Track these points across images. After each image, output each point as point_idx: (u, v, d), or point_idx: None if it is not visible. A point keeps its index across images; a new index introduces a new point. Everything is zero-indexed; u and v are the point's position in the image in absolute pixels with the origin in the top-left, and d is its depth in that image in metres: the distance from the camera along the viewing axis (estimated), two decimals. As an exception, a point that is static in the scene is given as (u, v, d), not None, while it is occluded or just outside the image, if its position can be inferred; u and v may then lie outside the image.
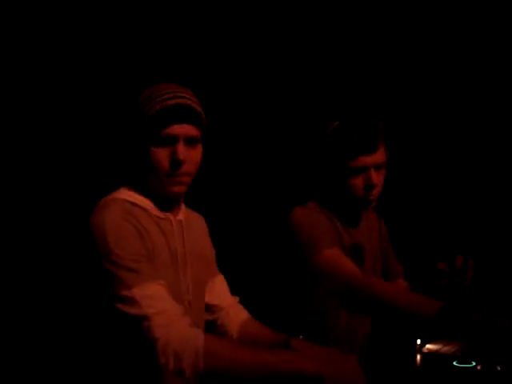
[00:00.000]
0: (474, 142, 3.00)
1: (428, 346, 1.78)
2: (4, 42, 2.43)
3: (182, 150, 1.50)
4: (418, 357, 1.74)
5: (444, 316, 1.66)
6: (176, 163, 1.50)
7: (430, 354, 1.75)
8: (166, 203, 1.60)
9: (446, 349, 1.76)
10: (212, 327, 1.77)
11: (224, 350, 1.39)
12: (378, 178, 1.93)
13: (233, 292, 1.86)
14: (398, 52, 2.96)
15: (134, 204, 1.53)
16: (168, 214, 1.60)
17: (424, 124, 3.02)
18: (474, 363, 1.64)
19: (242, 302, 1.85)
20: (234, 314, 1.79)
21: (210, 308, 1.77)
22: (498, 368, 1.61)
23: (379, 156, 1.92)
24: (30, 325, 2.40)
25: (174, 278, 1.56)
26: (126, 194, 1.54)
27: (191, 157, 1.53)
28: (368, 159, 1.90)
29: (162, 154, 1.50)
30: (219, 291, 1.79)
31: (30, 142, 2.47)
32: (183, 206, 1.70)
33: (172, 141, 1.50)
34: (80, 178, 2.49)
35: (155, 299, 1.38)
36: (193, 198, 1.73)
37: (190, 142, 1.52)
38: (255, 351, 1.41)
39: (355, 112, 1.97)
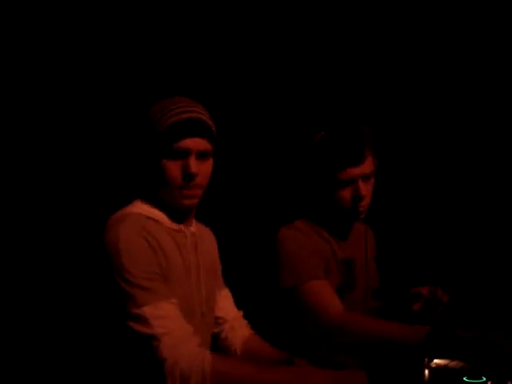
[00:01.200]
0: (467, 151, 2.98)
1: (436, 360, 1.73)
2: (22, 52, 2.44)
3: (194, 163, 1.53)
4: (426, 372, 1.69)
5: (434, 339, 1.61)
6: (188, 176, 1.53)
7: (438, 369, 1.70)
8: (179, 216, 1.61)
9: (454, 363, 1.71)
10: (216, 339, 1.78)
11: (230, 369, 1.39)
12: (366, 188, 1.89)
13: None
14: (389, 55, 2.93)
15: (148, 217, 1.54)
16: (182, 226, 1.62)
17: (415, 130, 2.99)
18: (484, 378, 1.60)
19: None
20: (239, 328, 1.79)
21: (215, 320, 1.79)
22: (509, 383, 1.58)
23: (367, 166, 1.87)
24: (41, 336, 2.39)
25: (188, 290, 1.58)
26: (141, 208, 1.56)
27: (203, 170, 1.56)
28: (355, 170, 1.85)
29: (174, 168, 1.53)
30: (224, 304, 1.81)
31: (45, 153, 2.48)
32: (193, 220, 1.72)
33: (184, 154, 1.53)
34: (93, 189, 2.49)
35: (165, 319, 1.40)
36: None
37: (201, 155, 1.55)
38: (260, 369, 1.41)
39: (341, 121, 1.93)
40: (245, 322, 1.84)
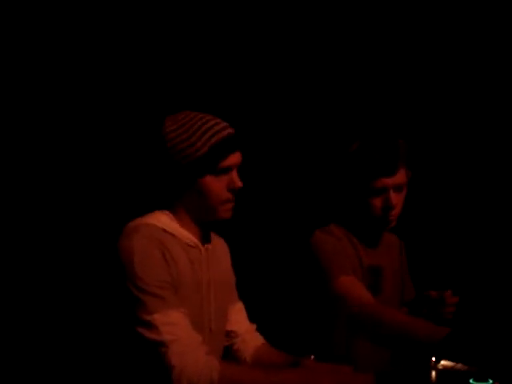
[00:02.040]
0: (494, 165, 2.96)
1: (443, 362, 1.74)
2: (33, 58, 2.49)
3: (238, 177, 1.59)
4: (433, 373, 1.70)
5: (451, 341, 1.63)
6: (235, 191, 1.58)
7: (445, 371, 1.71)
8: (199, 231, 1.64)
9: (461, 365, 1.72)
10: (228, 352, 1.81)
11: (238, 375, 1.42)
12: (396, 199, 1.92)
13: (254, 316, 1.89)
14: (424, 71, 2.93)
15: (164, 230, 1.56)
16: (197, 242, 1.63)
17: (448, 142, 2.98)
18: (491, 381, 1.60)
19: (263, 325, 1.89)
20: (250, 340, 1.81)
21: (227, 333, 1.80)
22: (516, 386, 1.58)
23: (399, 178, 1.91)
24: (51, 339, 2.43)
25: (198, 305, 1.59)
26: (158, 220, 1.58)
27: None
28: (388, 181, 1.90)
29: (220, 184, 1.57)
30: (238, 318, 1.82)
31: (61, 161, 2.53)
32: (211, 233, 1.74)
33: (228, 170, 1.57)
34: (114, 197, 2.54)
35: (175, 326, 1.43)
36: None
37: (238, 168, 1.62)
38: (268, 373, 1.44)
39: (377, 132, 1.97)
40: (257, 333, 1.85)
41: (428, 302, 1.95)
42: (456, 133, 2.95)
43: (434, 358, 1.73)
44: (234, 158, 1.58)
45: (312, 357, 1.68)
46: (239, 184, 1.58)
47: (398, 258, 2.11)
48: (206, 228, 1.67)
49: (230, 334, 1.81)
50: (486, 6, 2.82)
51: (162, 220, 1.58)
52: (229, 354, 1.81)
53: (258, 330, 1.88)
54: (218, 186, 1.56)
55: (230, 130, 1.57)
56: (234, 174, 1.59)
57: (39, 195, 2.49)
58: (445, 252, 2.93)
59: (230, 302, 1.78)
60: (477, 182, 2.93)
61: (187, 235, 1.60)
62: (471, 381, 1.62)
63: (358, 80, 2.91)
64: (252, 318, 1.88)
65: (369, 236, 2.03)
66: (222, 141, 1.54)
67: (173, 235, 1.57)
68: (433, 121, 2.96)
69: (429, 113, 2.97)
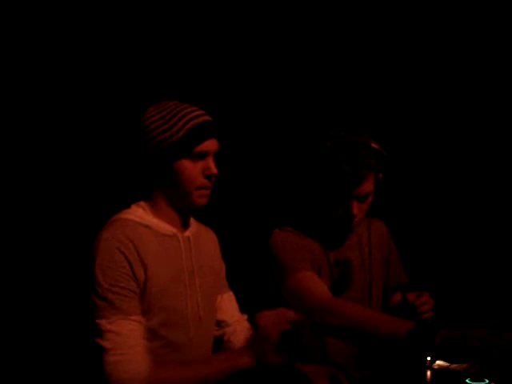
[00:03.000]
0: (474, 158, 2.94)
1: (438, 362, 1.72)
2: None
3: (213, 163, 1.60)
4: (429, 373, 1.68)
5: (415, 335, 1.58)
6: (210, 177, 1.60)
7: (441, 370, 1.69)
8: (176, 220, 1.64)
9: (456, 365, 1.70)
10: (219, 343, 1.80)
11: (169, 378, 1.46)
12: (359, 208, 1.84)
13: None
14: (395, 58, 2.89)
15: (139, 223, 1.57)
16: (175, 230, 1.63)
17: (423, 134, 2.95)
18: (487, 381, 1.58)
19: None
20: (241, 331, 1.79)
21: (217, 323, 1.79)
22: (512, 386, 1.56)
23: (364, 188, 1.81)
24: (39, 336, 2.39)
25: (181, 294, 1.60)
26: (134, 213, 1.60)
27: (214, 170, 1.62)
28: (351, 191, 1.81)
29: (195, 169, 1.57)
30: (228, 307, 1.81)
31: (48, 156, 2.46)
32: (192, 221, 1.74)
33: (204, 156, 1.58)
34: (98, 192, 2.48)
35: (118, 335, 1.43)
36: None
37: (214, 156, 1.63)
38: (194, 366, 1.49)
39: (347, 134, 1.84)
40: (248, 324, 1.83)
41: (404, 303, 1.92)
42: (449, 129, 2.92)
43: (429, 358, 1.71)
44: (210, 144, 1.59)
45: None
46: (214, 170, 1.59)
47: (367, 244, 2.01)
48: (186, 216, 1.67)
49: (220, 324, 1.80)
50: (478, 6, 2.78)
51: (137, 213, 1.60)
52: (220, 346, 1.80)
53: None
54: (194, 171, 1.57)
55: (206, 117, 1.60)
56: (210, 161, 1.60)
57: (22, 191, 2.42)
58: (439, 249, 2.89)
59: (218, 290, 1.77)
60: (471, 179, 2.90)
61: (163, 225, 1.61)
62: (467, 380, 1.60)
63: (337, 77, 2.85)
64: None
65: (333, 236, 1.96)
66: (198, 126, 1.57)
67: (148, 227, 1.58)
68: (422, 117, 2.92)
69: (417, 108, 2.92)
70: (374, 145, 1.82)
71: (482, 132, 2.87)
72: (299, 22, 2.81)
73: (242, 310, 1.89)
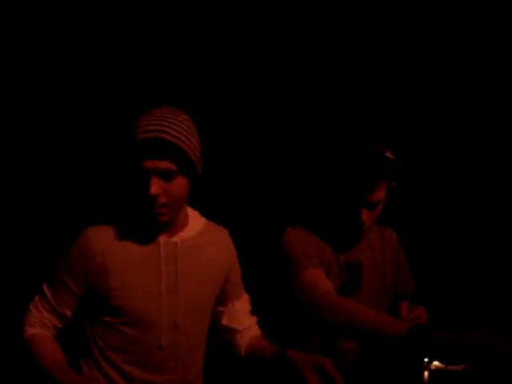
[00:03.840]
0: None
1: (435, 362, 1.72)
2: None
3: (153, 184, 1.48)
4: (426, 374, 1.68)
5: (413, 336, 1.58)
6: (149, 197, 1.50)
7: (438, 371, 1.69)
8: (162, 225, 1.62)
9: (453, 366, 1.70)
10: (228, 345, 1.83)
11: (36, 347, 1.63)
12: (368, 215, 1.84)
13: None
14: (420, 70, 2.83)
15: (117, 228, 1.62)
16: (158, 236, 1.63)
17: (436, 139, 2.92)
18: None
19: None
20: (247, 333, 1.80)
21: (227, 330, 1.81)
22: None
23: (375, 196, 1.81)
24: None
25: (154, 299, 1.61)
26: (114, 219, 1.64)
27: (168, 190, 1.52)
28: (362, 198, 1.81)
29: (137, 187, 1.52)
30: (238, 314, 1.81)
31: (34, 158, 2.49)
32: (193, 225, 1.70)
33: (146, 174, 1.50)
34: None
35: (40, 300, 1.67)
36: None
37: (164, 176, 1.51)
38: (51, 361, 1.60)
39: (363, 140, 1.83)
40: (256, 327, 1.83)
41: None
42: (454, 131, 2.88)
43: (426, 359, 1.71)
44: (150, 164, 1.48)
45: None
46: (149, 191, 1.49)
47: (380, 248, 2.02)
48: (174, 222, 1.63)
49: (229, 331, 1.80)
50: (480, 7, 2.72)
51: (119, 218, 1.65)
52: (229, 347, 1.83)
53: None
54: (137, 189, 1.52)
55: (151, 135, 1.47)
56: (150, 181, 1.49)
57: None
58: (443, 251, 2.87)
59: (212, 295, 1.74)
60: (474, 182, 2.87)
61: (143, 230, 1.61)
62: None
63: (351, 79, 2.80)
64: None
65: (343, 238, 1.96)
66: (140, 142, 1.47)
67: (124, 233, 1.61)
68: (429, 120, 2.88)
69: (424, 112, 2.88)
70: (388, 154, 1.82)
71: (492, 144, 2.83)
72: (319, 25, 2.77)
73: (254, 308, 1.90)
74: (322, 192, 1.94)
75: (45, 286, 1.66)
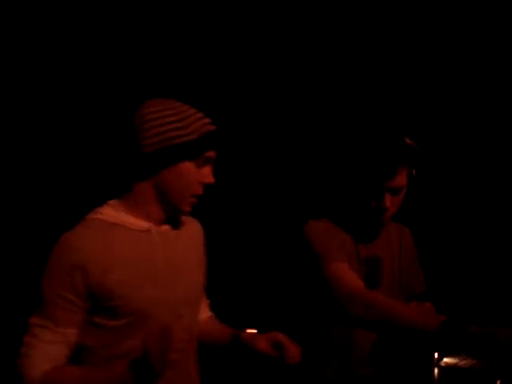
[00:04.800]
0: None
1: (446, 359, 1.75)
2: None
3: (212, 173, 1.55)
4: (436, 370, 1.71)
5: (446, 330, 1.61)
6: (205, 186, 1.53)
7: (448, 368, 1.72)
8: (154, 215, 1.56)
9: (463, 362, 1.74)
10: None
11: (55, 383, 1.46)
12: (391, 201, 1.86)
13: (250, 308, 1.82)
14: (438, 65, 2.93)
15: (106, 222, 1.51)
16: (150, 225, 1.55)
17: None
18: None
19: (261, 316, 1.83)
20: (202, 320, 1.76)
21: None
22: (518, 383, 1.59)
23: (397, 181, 1.84)
24: None
25: (156, 290, 1.53)
26: (105, 212, 1.53)
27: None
28: (384, 183, 1.84)
29: (196, 175, 1.52)
30: (203, 305, 1.77)
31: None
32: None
33: (208, 162, 1.53)
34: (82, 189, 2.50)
35: (33, 336, 1.46)
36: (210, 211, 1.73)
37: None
38: (80, 379, 1.47)
39: (382, 129, 1.89)
40: (206, 310, 1.79)
41: None
42: (464, 129, 2.92)
43: (436, 355, 1.74)
44: (213, 153, 1.54)
45: (255, 330, 1.65)
46: (212, 179, 1.54)
47: (398, 246, 2.03)
48: (165, 212, 1.57)
49: None
50: (487, 6, 2.84)
51: (109, 211, 1.53)
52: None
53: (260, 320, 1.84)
54: (194, 176, 1.52)
55: (215, 127, 1.55)
56: (211, 170, 1.54)
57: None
58: (448, 249, 2.92)
59: (201, 283, 1.71)
60: (481, 181, 2.95)
61: (134, 221, 1.53)
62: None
63: (364, 74, 2.89)
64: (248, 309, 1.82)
65: (364, 230, 1.98)
66: (212, 133, 1.52)
67: (116, 225, 1.52)
68: (439, 117, 2.94)
69: (434, 109, 2.95)
70: (408, 140, 1.87)
71: (497, 146, 2.92)
72: (336, 23, 2.87)
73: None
74: (343, 182, 1.95)
75: (35, 319, 1.46)
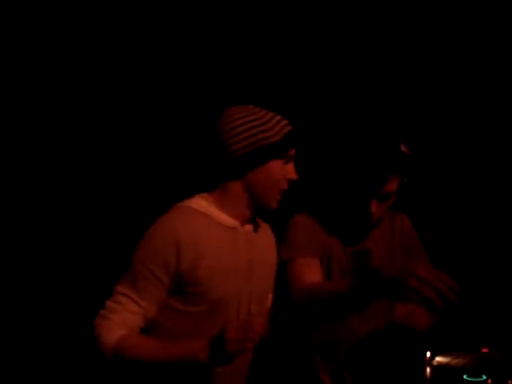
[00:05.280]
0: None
1: (438, 358, 1.75)
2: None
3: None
4: (428, 369, 1.71)
5: (359, 285, 1.65)
6: (291, 182, 1.67)
7: (440, 367, 1.72)
8: (240, 214, 1.68)
9: (455, 361, 1.74)
10: None
11: (130, 347, 1.50)
12: (378, 207, 1.90)
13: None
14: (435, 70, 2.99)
15: (199, 212, 1.63)
16: (237, 223, 1.68)
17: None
18: (484, 377, 1.62)
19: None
20: None
21: None
22: (510, 382, 1.60)
23: (388, 188, 1.87)
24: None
25: (233, 286, 1.63)
26: (197, 203, 1.65)
27: None
28: (373, 190, 1.87)
29: (282, 172, 1.65)
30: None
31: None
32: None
33: (290, 160, 1.68)
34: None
35: (116, 303, 1.54)
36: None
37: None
38: (158, 347, 1.50)
39: (377, 134, 1.93)
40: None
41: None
42: (463, 127, 2.97)
43: (428, 354, 1.74)
44: (294, 151, 1.68)
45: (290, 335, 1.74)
46: (296, 176, 1.67)
47: (390, 236, 2.06)
48: (249, 212, 1.70)
49: None
50: (486, 6, 2.90)
51: (201, 203, 1.65)
52: None
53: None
54: (281, 174, 1.65)
55: (292, 127, 1.70)
56: (293, 167, 1.69)
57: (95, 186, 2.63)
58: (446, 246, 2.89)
59: (271, 284, 1.80)
60: (478, 181, 2.97)
61: (224, 217, 1.65)
62: (465, 377, 1.63)
63: (360, 76, 2.95)
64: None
65: (352, 227, 1.99)
66: (292, 132, 1.67)
67: (208, 216, 1.63)
68: (435, 118, 2.99)
69: (431, 111, 2.99)
70: (403, 148, 1.89)
71: (497, 143, 2.96)
72: (320, 25, 2.95)
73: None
74: (335, 182, 1.99)
75: (122, 287, 1.55)
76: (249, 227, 1.71)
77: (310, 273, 1.87)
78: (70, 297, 2.50)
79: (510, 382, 1.59)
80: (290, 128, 1.67)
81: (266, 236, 1.81)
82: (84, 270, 2.58)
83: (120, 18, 2.68)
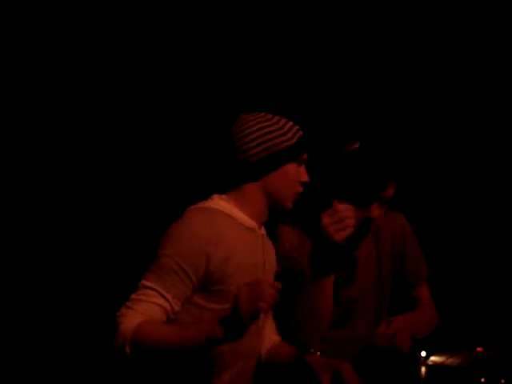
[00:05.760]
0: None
1: (432, 358, 1.77)
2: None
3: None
4: (423, 369, 1.73)
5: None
6: (304, 184, 1.74)
7: (435, 366, 1.74)
8: (257, 217, 1.72)
9: (450, 361, 1.76)
10: None
11: (149, 335, 1.49)
12: (379, 212, 1.89)
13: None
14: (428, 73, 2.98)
15: (222, 212, 1.66)
16: (255, 225, 1.72)
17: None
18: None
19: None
20: (267, 341, 1.85)
21: None
22: (503, 381, 1.62)
23: (389, 192, 1.88)
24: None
25: None
26: (217, 203, 1.69)
27: None
28: (376, 194, 1.86)
29: (297, 176, 1.72)
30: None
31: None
32: None
33: (303, 162, 1.75)
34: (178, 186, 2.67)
35: (141, 295, 1.54)
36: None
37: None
38: (174, 330, 1.51)
39: (375, 140, 1.91)
40: (275, 334, 1.88)
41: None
42: (457, 128, 2.97)
43: (423, 354, 1.76)
44: (306, 155, 1.75)
45: (318, 353, 1.70)
46: (308, 178, 1.74)
47: (373, 240, 2.04)
48: (265, 215, 1.75)
49: None
50: (486, 8, 2.89)
51: (221, 203, 1.69)
52: None
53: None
54: (296, 176, 1.71)
55: (302, 132, 1.76)
56: (305, 169, 1.75)
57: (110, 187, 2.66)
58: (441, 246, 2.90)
59: None
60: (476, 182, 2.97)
61: (245, 218, 1.69)
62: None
63: (357, 79, 2.95)
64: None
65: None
66: (304, 136, 1.74)
67: (230, 217, 1.67)
68: (432, 120, 2.98)
69: (429, 112, 2.98)
70: (396, 154, 1.90)
71: (495, 144, 2.96)
72: (316, 27, 2.95)
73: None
74: (335, 189, 1.95)
75: (148, 281, 1.55)
76: (263, 230, 1.77)
77: None
78: (72, 297, 2.50)
79: (503, 381, 1.61)
80: (301, 133, 1.74)
81: (269, 241, 1.85)
82: (96, 272, 2.59)
83: (143, 22, 2.73)
